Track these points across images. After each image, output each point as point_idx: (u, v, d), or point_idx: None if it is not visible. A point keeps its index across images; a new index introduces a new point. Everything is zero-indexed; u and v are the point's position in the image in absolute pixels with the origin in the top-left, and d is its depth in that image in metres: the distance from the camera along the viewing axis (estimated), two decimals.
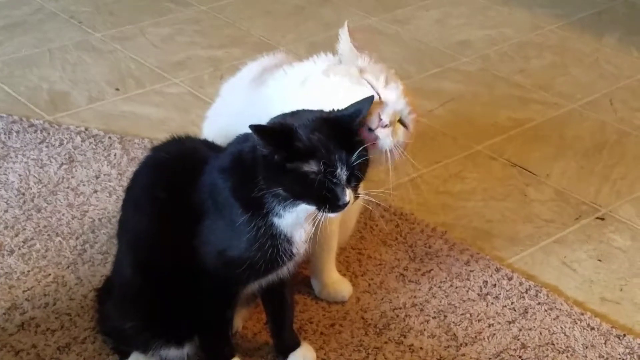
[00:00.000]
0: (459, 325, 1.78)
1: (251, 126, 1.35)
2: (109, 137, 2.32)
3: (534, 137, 2.47)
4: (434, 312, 1.81)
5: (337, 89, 1.55)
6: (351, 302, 1.82)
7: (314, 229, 1.45)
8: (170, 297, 1.53)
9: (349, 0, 3.26)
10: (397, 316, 1.79)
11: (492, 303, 1.84)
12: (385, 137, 1.52)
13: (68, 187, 2.13)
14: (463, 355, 1.71)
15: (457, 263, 1.95)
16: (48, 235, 1.96)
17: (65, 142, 2.30)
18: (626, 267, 1.99)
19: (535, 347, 1.73)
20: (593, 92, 2.71)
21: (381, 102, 1.53)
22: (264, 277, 1.53)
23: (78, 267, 1.88)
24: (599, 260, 2.00)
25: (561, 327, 1.78)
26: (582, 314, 1.81)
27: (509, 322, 1.79)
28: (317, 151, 1.37)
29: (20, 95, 2.55)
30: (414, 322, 1.78)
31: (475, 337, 1.75)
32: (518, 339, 1.75)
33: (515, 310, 1.82)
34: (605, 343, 1.75)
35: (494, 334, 1.76)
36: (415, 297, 1.85)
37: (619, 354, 1.73)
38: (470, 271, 1.92)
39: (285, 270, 1.54)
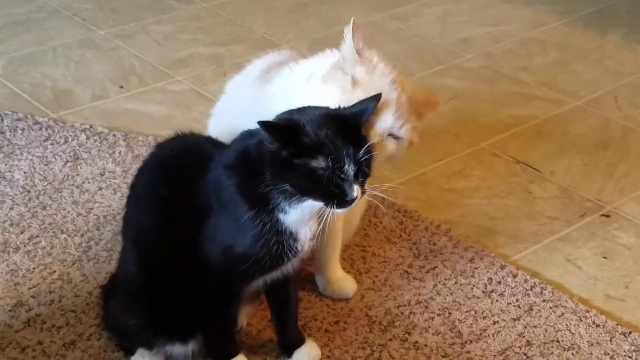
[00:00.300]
0: (463, 322, 1.78)
1: (259, 122, 1.35)
2: (113, 135, 2.32)
3: (538, 134, 2.47)
4: (439, 309, 1.81)
5: (330, 99, 1.54)
6: (355, 299, 1.82)
7: (319, 226, 1.45)
8: (175, 294, 1.53)
9: None
10: (402, 313, 1.79)
11: (497, 300, 1.84)
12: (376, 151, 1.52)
13: (73, 185, 2.13)
14: (468, 352, 1.71)
15: (461, 260, 1.95)
16: (53, 232, 1.97)
17: (70, 139, 2.30)
18: (631, 264, 1.99)
19: (541, 345, 1.73)
20: (597, 89, 2.71)
21: (369, 122, 1.52)
22: (268, 273, 1.53)
23: (83, 264, 1.88)
24: (604, 258, 2.00)
25: (566, 325, 1.78)
26: (587, 311, 1.81)
27: (514, 320, 1.79)
28: (325, 147, 1.37)
29: (24, 93, 2.55)
30: (418, 320, 1.78)
31: (480, 334, 1.75)
32: (523, 337, 1.75)
33: (520, 308, 1.82)
34: (610, 340, 1.75)
35: (499, 332, 1.76)
36: (419, 294, 1.85)
37: (625, 351, 1.73)
38: (475, 268, 1.92)
39: (289, 267, 1.54)
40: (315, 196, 1.39)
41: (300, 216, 1.44)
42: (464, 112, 2.55)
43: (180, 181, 1.51)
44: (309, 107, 1.45)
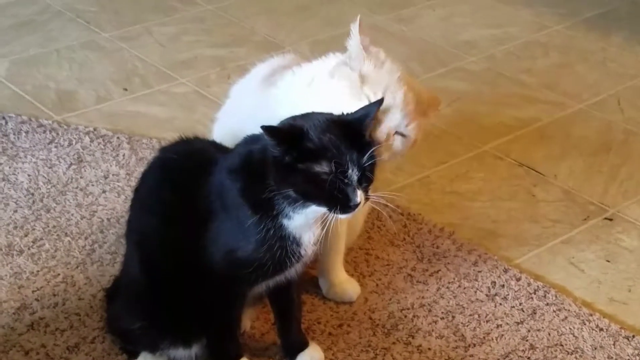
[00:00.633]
0: (467, 326, 1.78)
1: (262, 127, 1.35)
2: (117, 137, 2.33)
3: (540, 137, 2.47)
4: (442, 312, 1.81)
5: (337, 95, 1.55)
6: (359, 302, 1.83)
7: (323, 231, 1.45)
8: (178, 297, 1.53)
9: None
10: (405, 317, 1.79)
11: (501, 304, 1.84)
12: (381, 153, 1.53)
13: (77, 187, 2.13)
14: (471, 356, 1.71)
15: (465, 263, 1.95)
16: (57, 235, 1.97)
17: (74, 142, 2.30)
18: (634, 267, 1.99)
19: (544, 348, 1.73)
20: (599, 91, 2.71)
21: (376, 119, 1.53)
22: (272, 278, 1.53)
23: (87, 267, 1.88)
24: (607, 261, 2.00)
25: (570, 328, 1.78)
26: (591, 315, 1.81)
27: (517, 323, 1.79)
28: (328, 151, 1.37)
29: (27, 95, 2.56)
30: (422, 323, 1.78)
31: (484, 337, 1.75)
32: (526, 340, 1.75)
33: (523, 311, 1.82)
34: (614, 344, 1.75)
35: (502, 335, 1.76)
36: (423, 297, 1.85)
37: (628, 355, 1.73)
38: (478, 272, 1.92)
39: (293, 271, 1.54)
40: (319, 201, 1.39)
41: (305, 221, 1.44)
42: (467, 115, 2.56)
43: (184, 185, 1.51)
44: (313, 113, 1.45)
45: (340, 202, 1.39)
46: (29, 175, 2.16)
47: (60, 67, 2.72)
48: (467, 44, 2.98)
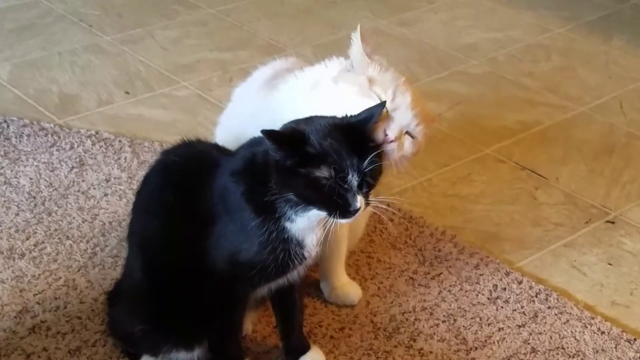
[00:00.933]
0: (468, 329, 1.78)
1: (263, 131, 1.35)
2: (119, 141, 2.33)
3: (543, 140, 2.47)
4: (444, 315, 1.81)
5: (345, 98, 1.55)
6: (361, 305, 1.83)
7: (324, 234, 1.45)
8: (180, 300, 1.53)
9: (355, 3, 3.27)
10: (407, 320, 1.79)
11: (502, 307, 1.84)
12: (392, 152, 1.54)
13: (79, 191, 2.13)
14: (473, 359, 1.71)
15: (466, 267, 1.95)
16: (59, 238, 1.97)
17: (75, 145, 2.31)
18: (636, 270, 1.98)
19: (546, 352, 1.73)
20: (602, 94, 2.71)
21: (388, 117, 1.54)
22: (274, 280, 1.53)
23: (88, 270, 1.88)
24: (609, 264, 2.00)
25: (571, 331, 1.78)
26: (593, 318, 1.81)
27: (519, 326, 1.79)
28: (329, 156, 1.37)
29: (29, 98, 2.56)
30: (423, 326, 1.78)
31: (485, 341, 1.75)
32: (528, 343, 1.75)
33: (525, 314, 1.82)
34: (615, 347, 1.75)
35: (504, 338, 1.76)
36: (424, 300, 1.85)
37: (630, 358, 1.72)
38: (480, 275, 1.92)
39: (295, 274, 1.54)
40: (319, 206, 1.40)
41: (307, 224, 1.44)
42: (469, 118, 2.56)
43: (186, 188, 1.51)
44: (316, 117, 1.45)
45: (340, 207, 1.39)
46: (30, 179, 2.17)
47: (62, 71, 2.72)
48: (469, 47, 2.98)
